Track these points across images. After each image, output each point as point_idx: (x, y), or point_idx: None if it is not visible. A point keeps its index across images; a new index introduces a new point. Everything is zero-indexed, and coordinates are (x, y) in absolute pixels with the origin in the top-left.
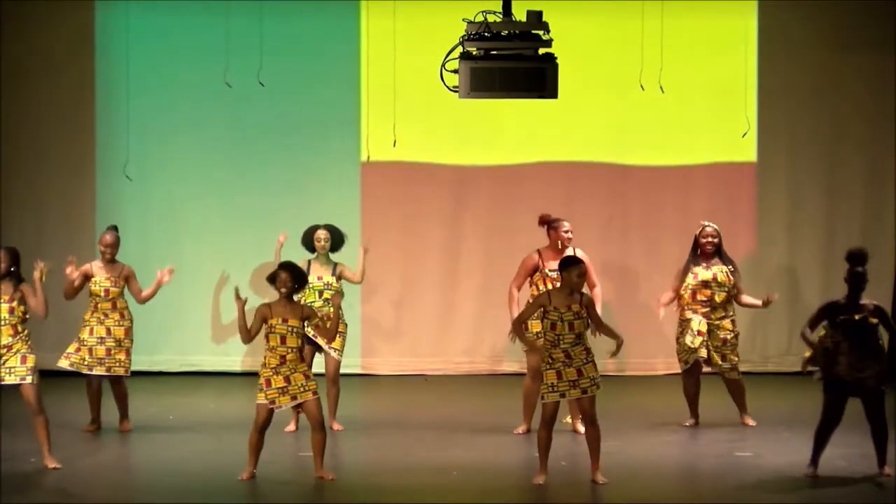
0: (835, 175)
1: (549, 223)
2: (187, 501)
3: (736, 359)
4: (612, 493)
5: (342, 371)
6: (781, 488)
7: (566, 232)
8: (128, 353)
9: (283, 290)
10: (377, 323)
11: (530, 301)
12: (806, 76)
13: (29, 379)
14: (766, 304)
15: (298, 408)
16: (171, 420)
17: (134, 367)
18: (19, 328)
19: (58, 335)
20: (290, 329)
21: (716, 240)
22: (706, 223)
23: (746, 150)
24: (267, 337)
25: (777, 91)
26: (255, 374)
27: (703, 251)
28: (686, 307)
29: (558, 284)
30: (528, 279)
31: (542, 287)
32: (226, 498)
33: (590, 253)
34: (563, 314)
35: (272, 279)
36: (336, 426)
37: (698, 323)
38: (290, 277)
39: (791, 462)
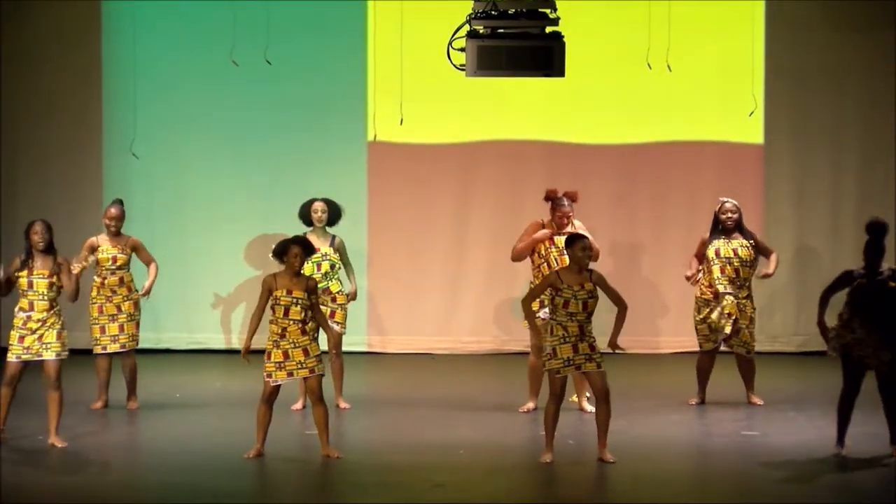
0: (841, 153)
1: (552, 200)
2: (194, 479)
3: (753, 338)
4: (620, 471)
5: (348, 349)
6: (789, 467)
7: (561, 216)
8: (137, 325)
9: (297, 265)
10: (383, 302)
11: (539, 279)
12: (812, 55)
13: (63, 355)
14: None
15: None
16: (178, 398)
17: (140, 345)
18: (54, 303)
19: (63, 311)
20: (294, 300)
21: (735, 215)
22: (725, 199)
23: (753, 129)
24: (272, 308)
25: (784, 70)
26: (260, 352)
27: (724, 227)
28: (711, 285)
29: (555, 239)
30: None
31: (543, 252)
32: (232, 476)
33: (597, 231)
34: (576, 292)
35: (281, 253)
36: (342, 404)
37: (731, 305)
38: (302, 251)
39: (798, 441)
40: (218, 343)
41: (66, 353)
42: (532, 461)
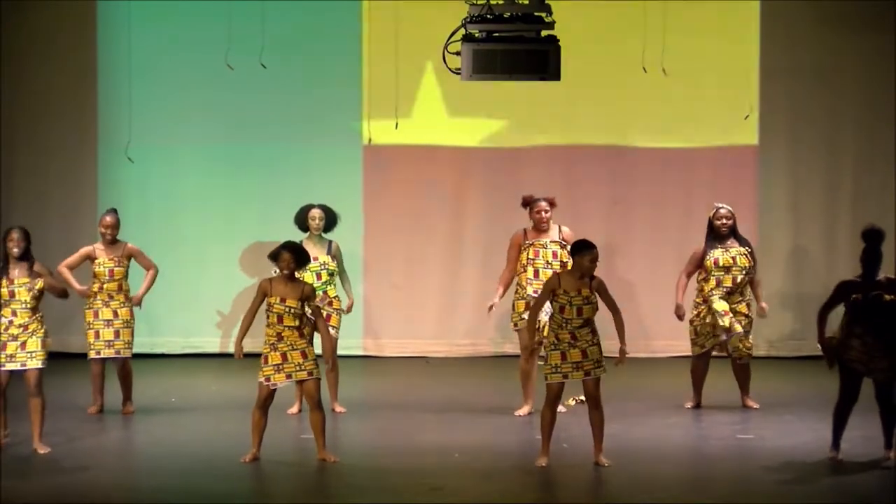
0: (837, 156)
1: (529, 204)
2: (189, 483)
3: (750, 343)
4: (616, 474)
5: (344, 353)
6: (785, 470)
7: (538, 212)
8: (132, 332)
9: (286, 270)
10: (379, 305)
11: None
12: (808, 58)
13: (45, 363)
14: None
15: (300, 385)
16: (174, 402)
17: (135, 350)
18: (36, 309)
19: (59, 316)
20: (287, 309)
21: (730, 221)
22: (719, 205)
23: (748, 132)
24: (267, 313)
25: (779, 73)
26: (256, 356)
27: (718, 233)
28: (708, 292)
29: (541, 252)
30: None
31: (525, 262)
32: (228, 480)
33: (592, 234)
34: (572, 298)
35: (274, 257)
36: (338, 408)
37: (722, 303)
38: (293, 258)
39: (794, 445)
40: (213, 347)
41: (46, 359)
42: (528, 464)
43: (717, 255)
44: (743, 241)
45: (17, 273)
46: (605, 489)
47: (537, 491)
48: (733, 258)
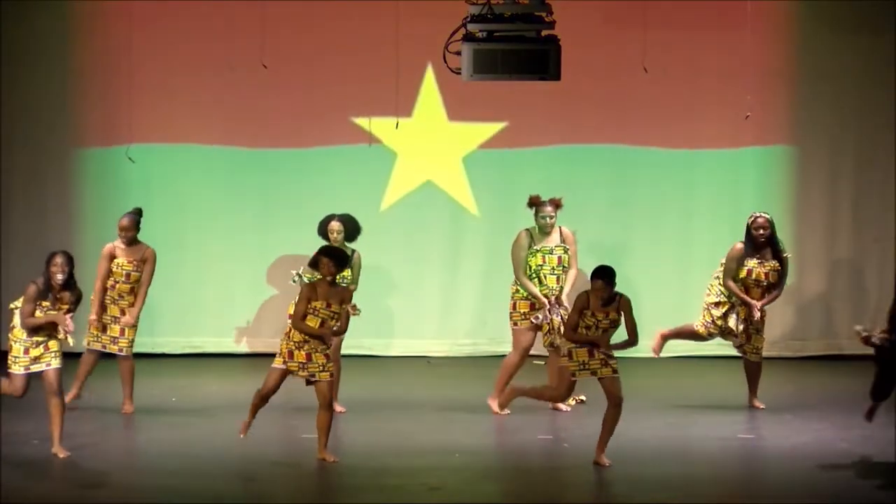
0: (839, 157)
1: (535, 205)
2: (189, 483)
3: (763, 342)
4: (616, 475)
5: (344, 353)
6: (785, 471)
7: (543, 217)
8: (135, 332)
9: (329, 277)
10: (379, 305)
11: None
12: (810, 59)
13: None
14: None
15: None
16: (174, 402)
17: (135, 349)
18: None
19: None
20: (332, 314)
21: (768, 231)
22: (758, 213)
23: (749, 133)
24: (304, 315)
25: (781, 74)
26: (257, 356)
27: (755, 243)
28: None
29: (547, 258)
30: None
31: (534, 267)
32: (227, 480)
33: (591, 236)
34: (599, 321)
35: (314, 265)
36: (338, 408)
37: (744, 310)
38: (333, 263)
39: (794, 445)
40: (214, 347)
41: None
42: (528, 464)
43: (753, 266)
44: (777, 253)
45: (61, 298)
46: (605, 489)
47: (537, 491)
48: (766, 274)
